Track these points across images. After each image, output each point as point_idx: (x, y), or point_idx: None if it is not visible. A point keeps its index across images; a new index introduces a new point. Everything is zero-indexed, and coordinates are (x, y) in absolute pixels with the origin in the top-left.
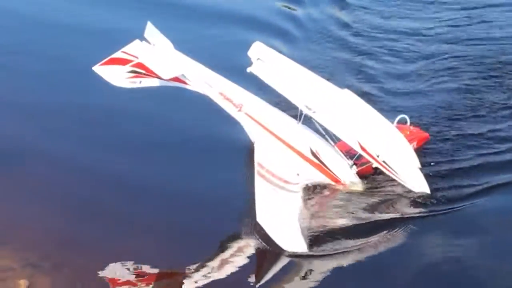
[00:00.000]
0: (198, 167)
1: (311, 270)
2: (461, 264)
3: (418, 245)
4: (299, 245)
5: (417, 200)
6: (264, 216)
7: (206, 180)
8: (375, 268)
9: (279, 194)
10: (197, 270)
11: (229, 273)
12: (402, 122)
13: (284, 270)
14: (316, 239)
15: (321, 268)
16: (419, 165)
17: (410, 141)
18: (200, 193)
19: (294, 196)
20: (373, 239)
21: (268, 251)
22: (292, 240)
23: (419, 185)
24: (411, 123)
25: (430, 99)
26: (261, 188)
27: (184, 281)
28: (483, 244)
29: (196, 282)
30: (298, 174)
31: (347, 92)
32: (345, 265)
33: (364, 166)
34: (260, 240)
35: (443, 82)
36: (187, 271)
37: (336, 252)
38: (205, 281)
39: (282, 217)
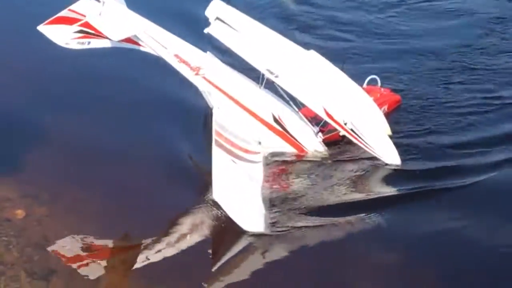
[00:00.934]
0: (151, 133)
1: (272, 249)
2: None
3: (386, 226)
4: (259, 225)
5: (388, 173)
6: (221, 193)
7: (160, 148)
8: (338, 247)
9: (238, 166)
10: (150, 246)
11: (185, 250)
12: (372, 83)
13: (245, 249)
14: (277, 216)
15: (283, 247)
16: (389, 133)
17: (380, 104)
18: (153, 161)
19: (254, 167)
20: (338, 217)
21: (227, 229)
22: (252, 219)
23: (390, 156)
24: (381, 85)
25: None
26: (218, 160)
27: (137, 258)
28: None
29: (148, 258)
30: (259, 143)
31: (312, 53)
32: (308, 244)
33: (331, 134)
34: (219, 216)
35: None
36: (140, 247)
37: (299, 229)
38: (158, 258)
39: (241, 193)
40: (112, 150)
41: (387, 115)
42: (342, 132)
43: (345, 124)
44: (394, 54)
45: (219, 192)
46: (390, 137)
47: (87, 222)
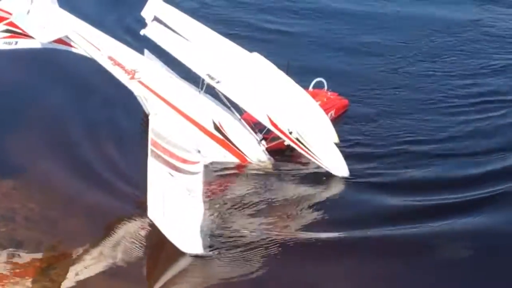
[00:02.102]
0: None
1: (211, 272)
2: None
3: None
4: (198, 246)
5: (335, 185)
6: (157, 210)
7: (95, 152)
8: (280, 268)
9: (176, 180)
10: (78, 259)
11: (117, 264)
12: (319, 86)
13: (182, 273)
14: (218, 235)
15: (224, 270)
16: (337, 140)
17: (327, 110)
18: (89, 165)
19: (193, 180)
20: (282, 232)
21: (163, 249)
22: (190, 240)
23: (338, 166)
24: (328, 88)
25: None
26: (154, 173)
27: (67, 274)
28: None
29: (77, 274)
30: (199, 152)
31: (256, 56)
32: (251, 266)
33: (275, 142)
34: (154, 234)
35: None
36: (67, 260)
37: (240, 250)
38: (87, 274)
39: (179, 211)
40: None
41: (334, 120)
42: (287, 142)
43: (291, 133)
44: (342, 56)
45: (154, 209)
46: (338, 145)
47: None
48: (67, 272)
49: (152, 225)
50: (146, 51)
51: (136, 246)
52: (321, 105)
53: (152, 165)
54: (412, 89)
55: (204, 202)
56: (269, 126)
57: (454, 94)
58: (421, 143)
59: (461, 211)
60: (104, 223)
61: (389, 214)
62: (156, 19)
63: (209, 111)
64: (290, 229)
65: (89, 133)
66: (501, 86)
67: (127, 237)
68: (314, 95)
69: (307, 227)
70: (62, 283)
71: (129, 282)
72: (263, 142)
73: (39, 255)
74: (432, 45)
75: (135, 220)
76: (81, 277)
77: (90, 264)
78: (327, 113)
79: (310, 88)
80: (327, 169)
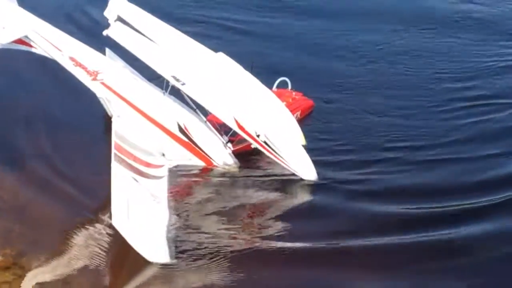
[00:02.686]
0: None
1: (178, 282)
2: None
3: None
4: (164, 255)
5: (303, 191)
6: (121, 218)
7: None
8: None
9: (140, 185)
10: (32, 268)
11: (75, 275)
12: (282, 86)
13: (147, 283)
14: (184, 242)
15: (191, 279)
16: (304, 142)
17: (293, 111)
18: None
19: (158, 184)
20: (247, 240)
21: (127, 258)
22: (156, 248)
23: (306, 170)
24: (292, 88)
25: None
26: (118, 179)
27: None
28: None
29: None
30: (163, 155)
31: (221, 56)
32: (219, 276)
33: (242, 144)
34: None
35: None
36: (18, 269)
37: (208, 259)
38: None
39: (144, 219)
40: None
41: (300, 122)
42: (255, 145)
43: (258, 136)
44: (308, 55)
45: (118, 217)
46: (304, 147)
47: None
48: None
49: (114, 233)
50: (107, 49)
51: (98, 254)
52: (287, 106)
53: (116, 170)
54: (379, 86)
55: (169, 208)
56: (236, 129)
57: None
58: (394, 148)
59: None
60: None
61: (361, 223)
62: (119, 19)
63: (173, 113)
64: (257, 237)
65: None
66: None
67: (89, 244)
68: (279, 95)
69: (273, 236)
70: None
71: None
72: (229, 144)
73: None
74: (403, 42)
75: (96, 227)
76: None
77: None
78: (293, 114)
79: (274, 87)
80: (295, 173)
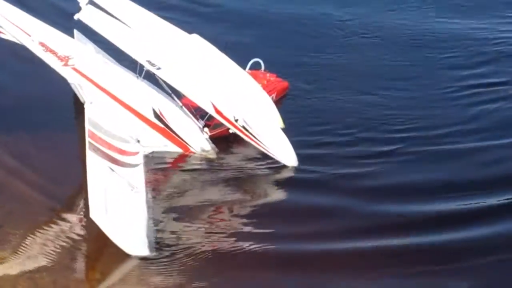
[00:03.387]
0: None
1: (159, 277)
2: None
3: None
4: (144, 247)
5: (284, 176)
6: (99, 210)
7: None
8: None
9: (117, 174)
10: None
11: (42, 272)
12: (255, 67)
13: (127, 277)
14: (164, 234)
15: (173, 274)
16: (282, 125)
17: (269, 92)
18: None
19: (134, 172)
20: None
21: (105, 250)
22: (136, 240)
23: (287, 155)
24: (265, 69)
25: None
26: (94, 169)
27: None
28: None
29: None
30: (138, 141)
31: (195, 37)
32: (204, 270)
33: (220, 128)
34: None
35: None
36: None
37: (191, 252)
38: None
39: (122, 210)
40: None
41: (276, 104)
42: (233, 130)
43: (236, 120)
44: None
45: (96, 209)
46: (283, 130)
47: None
48: None
49: (91, 226)
50: (76, 32)
51: (73, 247)
52: (262, 88)
53: (91, 159)
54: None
55: (148, 197)
56: (213, 113)
57: None
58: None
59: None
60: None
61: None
62: (91, 2)
63: (148, 98)
64: (234, 234)
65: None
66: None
67: (61, 237)
68: (253, 77)
69: (255, 234)
70: None
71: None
72: (206, 129)
73: None
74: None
75: (68, 221)
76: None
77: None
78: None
79: (247, 69)
80: (275, 158)
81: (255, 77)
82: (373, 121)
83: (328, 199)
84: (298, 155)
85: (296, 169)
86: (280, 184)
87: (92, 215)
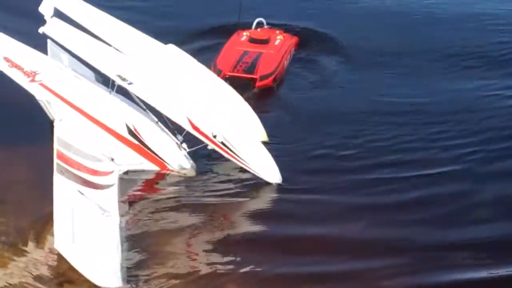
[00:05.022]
0: None
1: None
2: None
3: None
4: (116, 279)
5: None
6: (65, 240)
7: None
8: None
9: (87, 199)
10: None
11: None
12: (259, 26)
13: None
14: (137, 263)
15: None
16: (266, 138)
17: (289, 47)
18: None
19: (106, 194)
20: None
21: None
22: (106, 271)
23: (269, 172)
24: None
25: None
26: (61, 194)
27: None
28: None
29: None
30: (112, 159)
31: (172, 48)
32: None
33: (265, 80)
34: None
35: None
36: None
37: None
38: None
39: (91, 238)
40: None
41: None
42: (211, 146)
43: (215, 136)
44: None
45: (62, 238)
46: (267, 143)
47: None
48: None
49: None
50: (49, 42)
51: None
52: (283, 43)
53: (58, 182)
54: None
55: (121, 221)
56: (190, 130)
57: None
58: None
59: None
60: None
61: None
62: (57, 13)
63: (121, 114)
64: (210, 263)
65: None
66: None
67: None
68: (269, 34)
69: (230, 262)
70: None
71: None
72: (184, 145)
73: None
74: None
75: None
76: None
77: None
78: (289, 51)
79: (253, 27)
80: (257, 175)
81: (271, 34)
82: None
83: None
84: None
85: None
86: (258, 212)
87: (57, 245)
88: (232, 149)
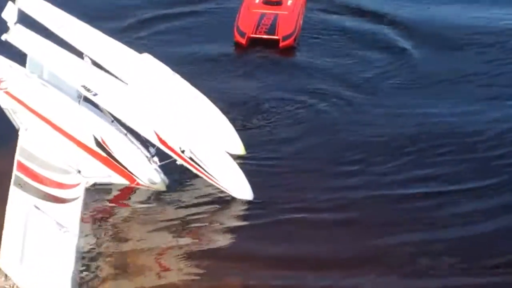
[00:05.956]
0: None
1: None
2: None
3: None
4: None
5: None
6: (13, 258)
7: None
8: None
9: (43, 212)
10: None
11: None
12: None
13: None
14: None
15: None
16: (244, 152)
17: (301, 6)
18: None
19: (69, 209)
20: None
21: None
22: None
23: (240, 189)
24: None
25: None
26: (14, 207)
27: None
28: None
29: None
30: (79, 172)
31: (146, 57)
32: None
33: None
34: None
35: None
36: None
37: None
38: None
39: (43, 257)
40: None
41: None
42: (180, 162)
43: (183, 152)
44: None
45: (8, 259)
46: (244, 157)
47: None
48: None
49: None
50: None
51: None
52: (295, 3)
53: (14, 196)
54: None
55: (80, 236)
56: (157, 143)
57: None
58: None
59: None
60: None
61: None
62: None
63: (89, 125)
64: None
65: None
66: None
67: None
68: None
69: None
70: None
71: None
72: (156, 158)
73: None
74: None
75: None
76: None
77: None
78: (302, 12)
79: None
80: (227, 191)
81: None
82: None
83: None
84: None
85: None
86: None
87: (3, 265)
88: (201, 164)
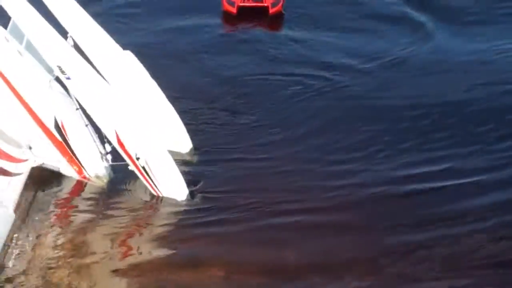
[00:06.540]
0: None
1: None
2: None
3: None
4: None
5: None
6: None
7: None
8: None
9: None
10: None
11: None
12: None
13: None
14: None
15: None
16: (190, 147)
17: None
18: None
19: (9, 183)
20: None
21: None
22: None
23: (175, 191)
24: None
25: None
26: None
27: None
28: None
29: None
30: (30, 148)
31: (127, 54)
32: None
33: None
34: None
35: None
36: None
37: None
38: None
39: None
40: None
41: None
42: (132, 167)
43: (138, 159)
44: None
45: None
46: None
47: None
48: None
49: None
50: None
51: None
52: None
53: None
54: None
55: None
56: (115, 144)
57: None
58: None
59: None
60: None
61: None
62: None
63: (53, 106)
64: None
65: None
66: None
67: None
68: None
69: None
70: None
71: None
72: (109, 156)
73: None
74: None
75: None
76: None
77: None
78: None
79: None
80: (160, 194)
81: None
82: None
83: None
84: None
85: None
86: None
87: None
88: (150, 174)
